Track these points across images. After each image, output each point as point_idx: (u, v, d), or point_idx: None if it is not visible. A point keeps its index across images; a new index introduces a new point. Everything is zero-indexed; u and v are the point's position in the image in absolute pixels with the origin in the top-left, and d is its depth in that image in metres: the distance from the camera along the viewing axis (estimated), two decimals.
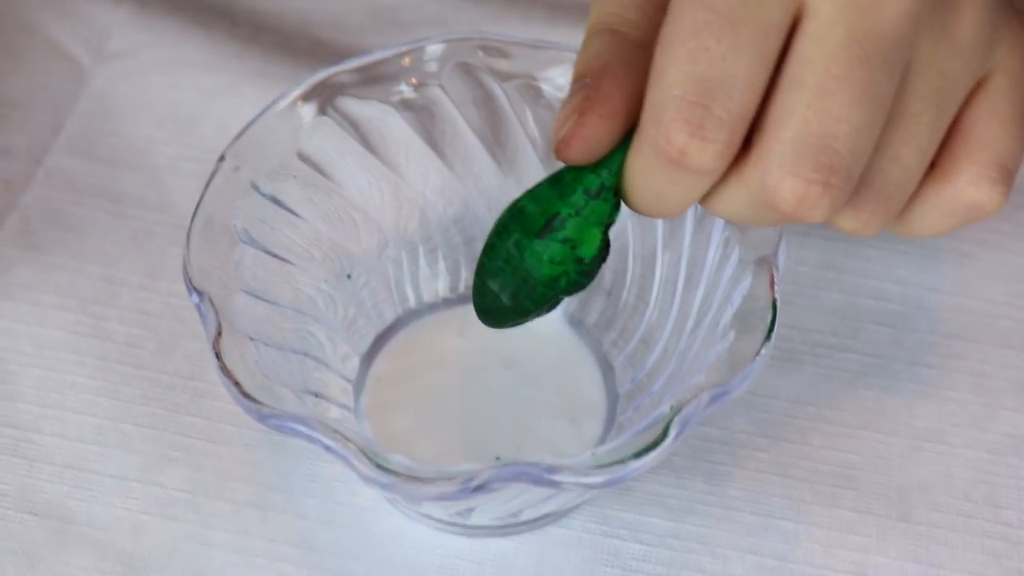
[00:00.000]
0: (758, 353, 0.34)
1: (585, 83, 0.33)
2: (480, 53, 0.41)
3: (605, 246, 0.35)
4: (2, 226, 0.48)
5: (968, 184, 0.33)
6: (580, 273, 0.35)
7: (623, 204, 0.34)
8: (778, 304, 0.36)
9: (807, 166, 0.30)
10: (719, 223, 0.38)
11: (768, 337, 0.35)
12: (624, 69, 0.32)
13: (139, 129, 0.52)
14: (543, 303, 0.36)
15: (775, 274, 0.36)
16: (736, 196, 0.32)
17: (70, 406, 0.44)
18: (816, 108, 0.30)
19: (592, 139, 0.32)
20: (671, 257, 0.41)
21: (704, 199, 0.33)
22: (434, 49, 0.41)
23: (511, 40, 0.41)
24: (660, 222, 0.41)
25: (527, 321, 0.37)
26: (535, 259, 0.35)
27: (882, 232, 0.48)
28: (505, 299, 0.37)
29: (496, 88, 0.42)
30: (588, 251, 0.34)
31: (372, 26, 0.55)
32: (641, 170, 0.32)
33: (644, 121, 0.31)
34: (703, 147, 0.30)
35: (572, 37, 0.52)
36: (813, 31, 0.29)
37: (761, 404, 0.44)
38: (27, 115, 0.52)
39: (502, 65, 0.41)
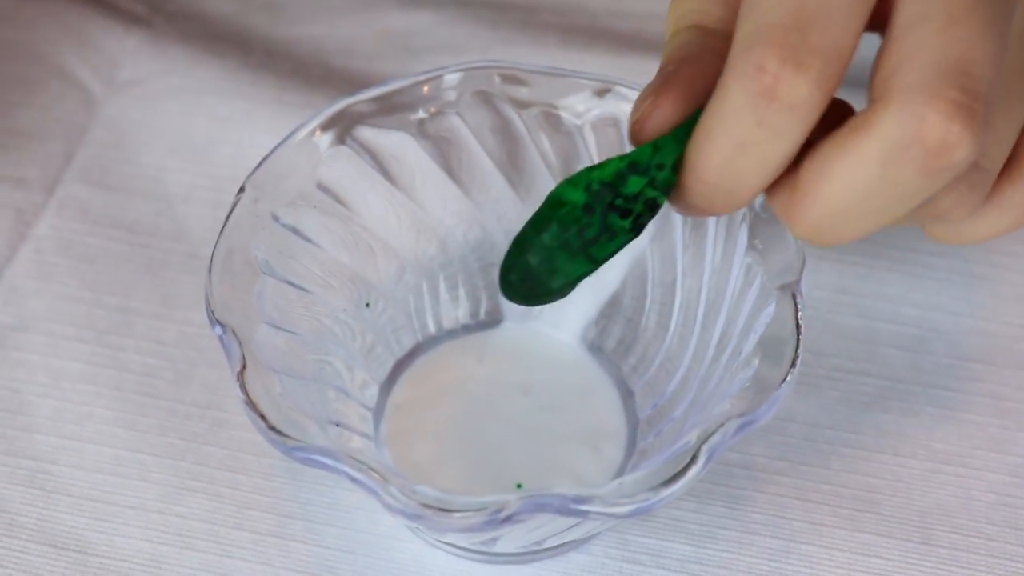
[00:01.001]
0: (784, 380, 0.34)
1: (666, 71, 0.31)
2: (498, 81, 0.41)
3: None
4: (16, 257, 0.48)
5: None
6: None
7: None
8: (803, 331, 0.35)
9: (952, 87, 0.27)
10: (741, 248, 0.38)
11: (793, 364, 0.35)
12: (706, 57, 0.31)
13: (152, 158, 0.51)
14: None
15: (799, 301, 0.36)
16: (863, 152, 0.28)
17: (87, 437, 0.44)
18: (950, 35, 0.27)
19: (667, 120, 0.31)
20: (692, 283, 0.41)
21: (813, 169, 0.29)
22: (452, 78, 0.41)
23: (529, 68, 0.41)
24: (680, 247, 0.41)
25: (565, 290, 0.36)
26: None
27: (896, 254, 0.48)
28: (553, 263, 0.36)
29: (514, 116, 0.42)
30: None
31: (384, 52, 0.55)
32: (723, 116, 0.29)
33: (731, 57, 0.29)
34: (797, 73, 0.27)
35: (585, 61, 0.53)
36: None
37: (780, 428, 0.44)
38: (39, 145, 0.52)
39: (520, 93, 0.41)
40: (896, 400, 0.45)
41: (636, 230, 0.34)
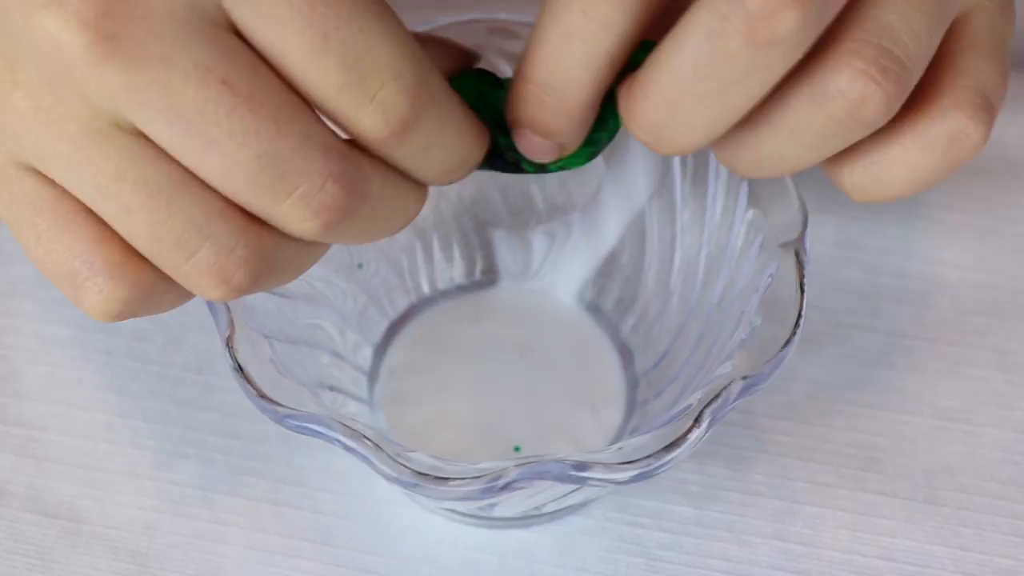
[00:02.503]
0: (788, 342, 0.33)
1: None
2: (489, 34, 0.40)
3: None
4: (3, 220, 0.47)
5: (950, 108, 0.29)
6: None
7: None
8: (806, 290, 0.35)
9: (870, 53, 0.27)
10: (742, 204, 0.37)
11: (797, 325, 0.34)
12: None
13: None
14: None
15: (803, 259, 0.35)
16: (689, 30, 0.27)
17: (78, 403, 0.43)
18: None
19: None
20: (692, 240, 0.40)
21: (649, 60, 0.28)
22: (443, 31, 0.40)
23: (520, 21, 0.40)
24: (680, 204, 0.40)
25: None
26: None
27: (899, 208, 0.47)
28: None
29: (506, 69, 0.41)
30: None
31: None
32: (552, 9, 0.28)
33: None
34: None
35: None
36: None
37: (782, 386, 0.43)
38: None
39: (512, 46, 0.40)
40: (900, 356, 0.44)
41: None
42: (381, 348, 0.43)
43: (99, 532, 0.41)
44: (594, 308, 0.43)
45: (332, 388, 0.38)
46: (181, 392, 0.44)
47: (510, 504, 0.37)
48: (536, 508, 0.38)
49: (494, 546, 0.40)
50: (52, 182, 0.29)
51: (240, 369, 0.33)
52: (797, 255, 0.35)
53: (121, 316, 0.29)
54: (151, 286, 0.29)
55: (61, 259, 0.29)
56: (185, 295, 0.30)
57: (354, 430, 0.32)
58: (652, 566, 0.40)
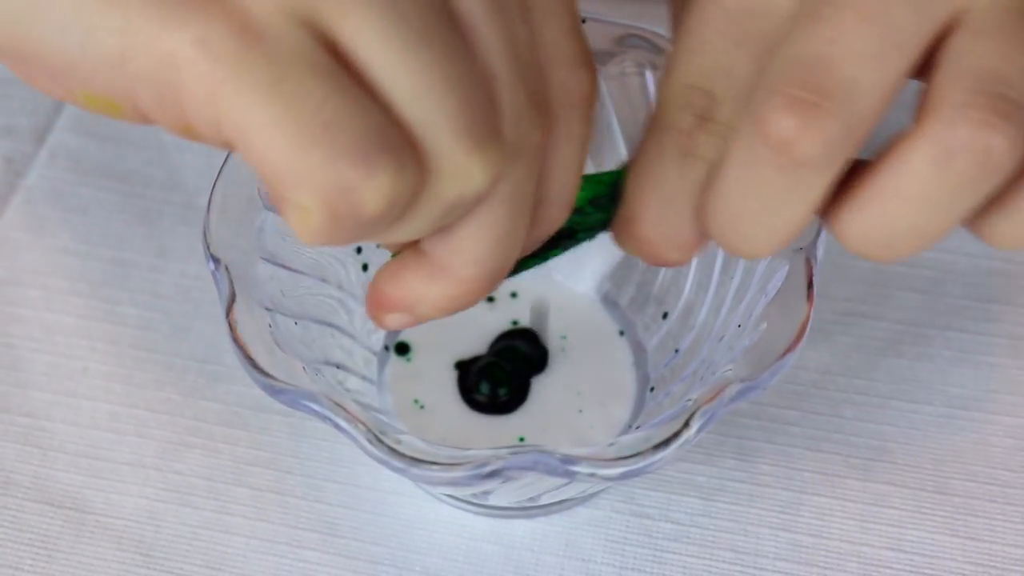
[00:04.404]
0: (789, 350, 0.33)
1: None
2: None
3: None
4: (6, 208, 0.47)
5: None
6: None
7: None
8: (814, 298, 0.34)
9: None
10: None
11: (802, 332, 0.33)
12: None
13: None
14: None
15: (813, 266, 0.34)
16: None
17: (83, 393, 0.43)
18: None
19: None
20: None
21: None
22: None
23: None
24: None
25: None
26: None
27: None
28: None
29: None
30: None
31: None
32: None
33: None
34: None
35: (585, 8, 0.51)
36: None
37: (790, 376, 0.43)
38: (29, 92, 0.50)
39: None
40: (910, 344, 0.44)
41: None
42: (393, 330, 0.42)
43: (104, 522, 0.41)
44: (611, 303, 0.43)
45: (339, 365, 0.38)
46: (186, 382, 0.43)
47: (504, 493, 0.36)
48: (532, 499, 0.38)
49: (500, 537, 0.40)
50: (336, 47, 0.24)
51: (238, 341, 0.33)
52: (808, 261, 0.34)
53: (392, 209, 0.24)
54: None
55: (345, 133, 0.23)
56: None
57: (346, 409, 0.32)
58: (659, 557, 0.40)
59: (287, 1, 0.23)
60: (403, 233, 0.26)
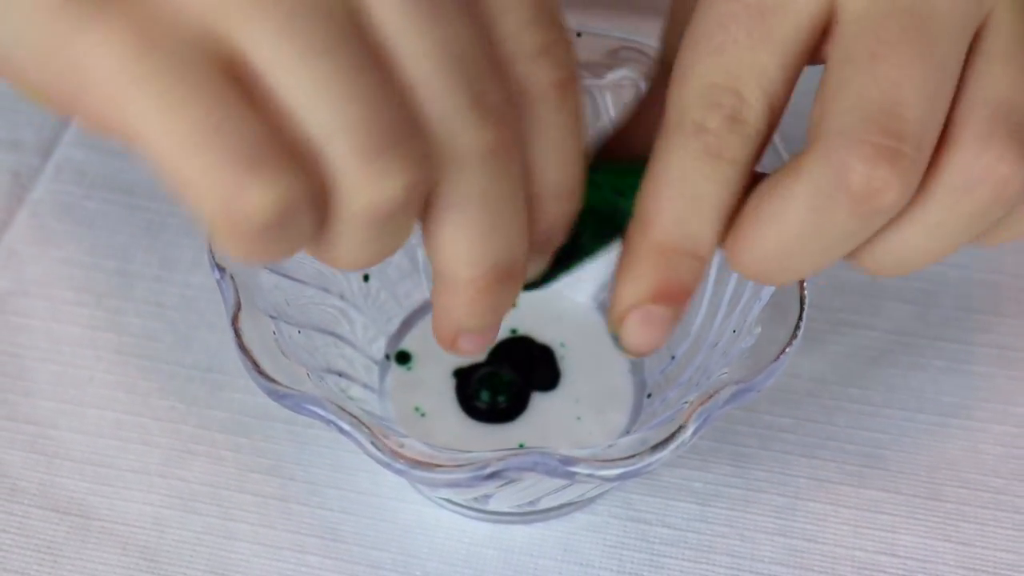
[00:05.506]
0: (782, 352, 0.34)
1: None
2: None
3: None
4: (13, 221, 0.48)
5: (981, 148, 0.28)
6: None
7: None
8: (807, 303, 0.35)
9: (875, 132, 0.27)
10: None
11: (794, 335, 0.34)
12: None
13: None
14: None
15: None
16: (793, 198, 0.28)
17: (88, 401, 0.44)
18: (873, 75, 0.27)
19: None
20: None
21: (748, 214, 0.29)
22: None
23: None
24: None
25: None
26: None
27: None
28: None
29: None
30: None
31: None
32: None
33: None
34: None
35: (581, 22, 0.52)
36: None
37: (785, 384, 0.44)
38: (35, 107, 0.51)
39: None
40: (902, 354, 0.45)
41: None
42: (395, 339, 0.43)
43: (109, 528, 0.41)
44: (607, 310, 0.44)
45: (341, 373, 0.39)
46: (190, 390, 0.44)
47: (504, 497, 0.37)
48: (531, 503, 0.38)
49: (499, 541, 0.41)
50: (235, 58, 0.24)
51: (243, 348, 0.34)
52: None
53: (286, 218, 0.24)
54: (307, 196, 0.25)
55: (232, 141, 0.23)
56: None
57: (349, 413, 0.33)
58: (656, 562, 0.40)
59: (191, 10, 0.24)
60: (344, 249, 0.26)
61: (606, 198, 0.31)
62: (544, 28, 0.27)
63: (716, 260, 0.39)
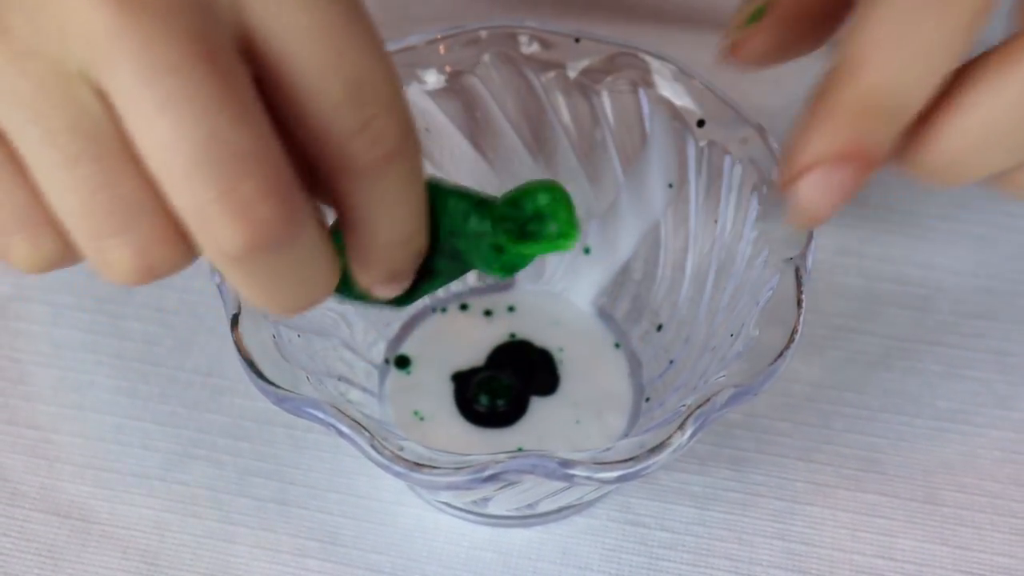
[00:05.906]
0: (780, 355, 0.34)
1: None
2: (518, 42, 0.41)
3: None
4: None
5: None
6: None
7: None
8: (804, 306, 0.35)
9: None
10: (751, 218, 0.38)
11: (792, 339, 0.34)
12: None
13: None
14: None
15: (803, 276, 0.35)
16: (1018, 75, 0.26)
17: (89, 406, 0.44)
18: None
19: (762, 56, 0.30)
20: (702, 251, 0.41)
21: (956, 94, 0.26)
22: (470, 36, 0.41)
23: (552, 30, 0.41)
24: (694, 215, 0.41)
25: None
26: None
27: (896, 218, 0.48)
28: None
29: (533, 78, 0.41)
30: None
31: (385, 20, 0.54)
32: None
33: None
34: None
35: (578, 28, 0.52)
36: None
37: (783, 389, 0.44)
38: None
39: (540, 55, 0.41)
40: (900, 359, 0.45)
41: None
42: (394, 343, 0.43)
43: (110, 532, 0.41)
44: (606, 316, 0.44)
45: (340, 377, 0.39)
46: (191, 395, 0.44)
47: (503, 500, 0.37)
48: (530, 506, 0.38)
49: (498, 545, 0.41)
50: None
51: (243, 351, 0.34)
52: (797, 271, 0.35)
53: (46, 270, 0.29)
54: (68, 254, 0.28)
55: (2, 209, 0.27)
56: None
57: (349, 416, 0.33)
58: (655, 565, 0.41)
59: None
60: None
61: (455, 224, 0.31)
62: (359, 106, 0.26)
63: (716, 261, 0.40)
